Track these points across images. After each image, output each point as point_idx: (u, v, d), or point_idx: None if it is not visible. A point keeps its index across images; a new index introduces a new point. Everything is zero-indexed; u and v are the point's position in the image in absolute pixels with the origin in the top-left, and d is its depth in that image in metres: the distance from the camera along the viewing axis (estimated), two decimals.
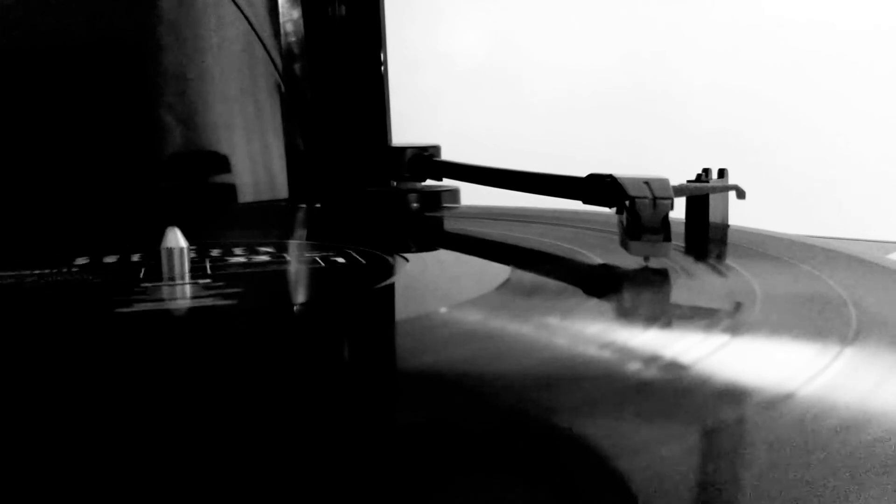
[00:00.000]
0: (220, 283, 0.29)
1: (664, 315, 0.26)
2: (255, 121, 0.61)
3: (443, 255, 0.39)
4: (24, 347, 0.23)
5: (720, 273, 0.31)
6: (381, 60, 0.59)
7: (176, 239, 0.31)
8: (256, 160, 0.61)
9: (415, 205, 0.53)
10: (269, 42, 0.61)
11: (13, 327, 0.25)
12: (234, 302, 0.26)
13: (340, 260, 0.33)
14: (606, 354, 0.21)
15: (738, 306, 0.26)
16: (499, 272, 0.31)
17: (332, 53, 0.60)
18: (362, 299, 0.28)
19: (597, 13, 0.77)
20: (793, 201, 0.69)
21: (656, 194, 0.31)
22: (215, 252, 0.35)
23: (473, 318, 0.25)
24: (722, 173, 0.39)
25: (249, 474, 0.14)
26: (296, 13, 0.59)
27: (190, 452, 0.15)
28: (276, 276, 0.31)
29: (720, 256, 0.36)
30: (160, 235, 0.31)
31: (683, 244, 0.36)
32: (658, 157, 0.72)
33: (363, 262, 0.32)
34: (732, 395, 0.18)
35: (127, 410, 0.18)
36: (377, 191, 0.55)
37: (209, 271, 0.31)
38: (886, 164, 0.67)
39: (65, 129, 0.51)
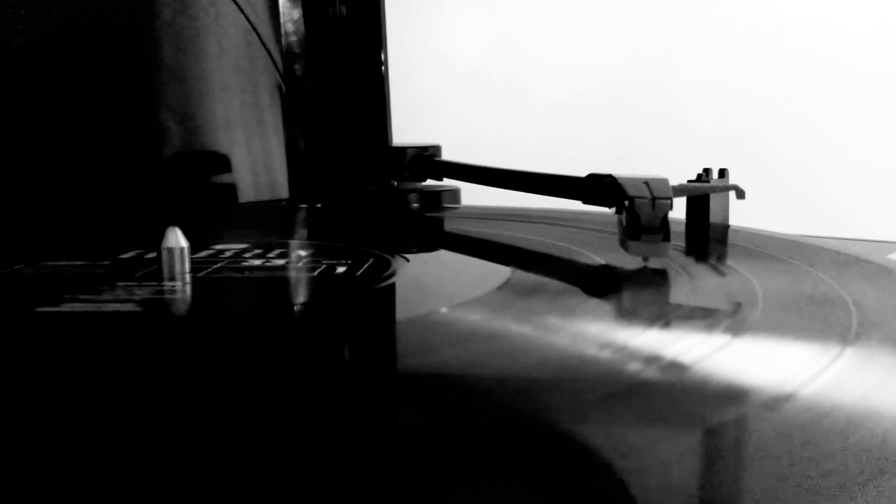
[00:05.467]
0: (208, 285, 0.29)
1: (664, 315, 0.26)
2: (256, 121, 0.61)
3: (443, 255, 0.39)
4: None
5: (720, 273, 0.31)
6: (382, 60, 0.59)
7: (176, 239, 0.31)
8: (257, 160, 0.61)
9: (415, 205, 0.53)
10: (270, 42, 0.61)
11: None
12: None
13: (341, 260, 0.33)
14: (606, 355, 0.21)
15: (738, 306, 0.26)
16: (499, 272, 0.31)
17: (333, 53, 0.59)
18: (362, 299, 0.28)
19: (597, 14, 0.77)
20: (793, 201, 0.69)
21: (655, 194, 0.31)
22: (212, 252, 0.35)
23: (474, 318, 0.25)
24: (722, 173, 0.39)
25: (248, 475, 0.14)
26: (296, 13, 0.59)
27: (186, 454, 0.15)
28: (273, 277, 0.31)
29: (720, 256, 0.36)
30: (160, 235, 0.31)
31: (684, 244, 0.36)
32: (659, 157, 0.72)
33: (363, 262, 0.32)
34: (733, 396, 0.18)
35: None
36: (377, 191, 0.55)
37: (206, 272, 0.31)
38: (886, 164, 0.67)
39: (64, 129, 0.51)
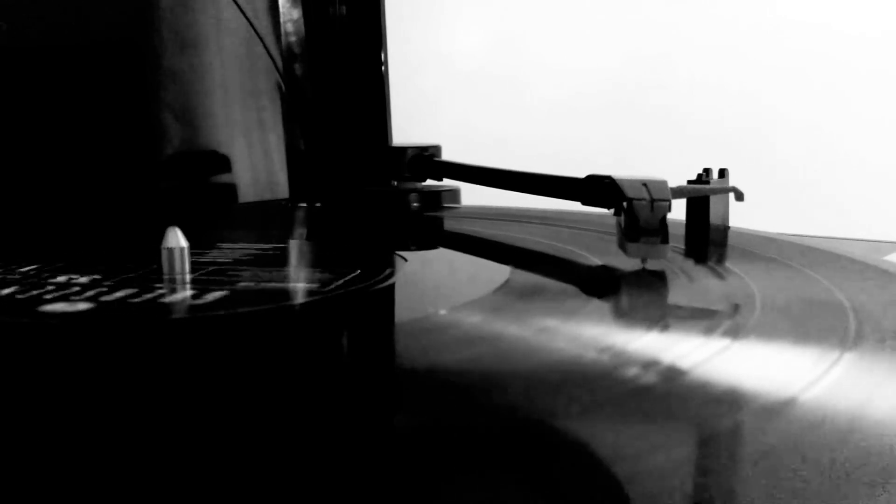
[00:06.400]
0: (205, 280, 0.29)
1: (662, 318, 0.26)
2: (256, 120, 0.61)
3: (442, 255, 0.39)
4: None
5: (719, 276, 0.31)
6: (382, 60, 0.59)
7: (176, 239, 0.31)
8: (257, 160, 0.61)
9: (415, 205, 0.53)
10: (270, 42, 0.61)
11: None
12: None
13: (340, 260, 0.33)
14: (604, 358, 0.21)
15: (736, 309, 0.26)
16: (498, 273, 0.31)
17: (333, 53, 0.59)
18: (361, 300, 0.28)
19: (597, 14, 0.77)
20: (793, 201, 0.69)
21: (654, 196, 0.31)
22: (209, 252, 0.35)
23: (473, 319, 0.25)
24: (722, 173, 0.39)
25: (249, 477, 0.14)
26: (296, 13, 0.59)
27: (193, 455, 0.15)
28: (271, 277, 0.31)
29: (719, 259, 0.36)
30: (160, 235, 0.31)
31: (683, 246, 0.36)
32: (658, 157, 0.72)
33: (363, 262, 0.32)
34: (731, 400, 0.18)
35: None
36: (377, 191, 0.55)
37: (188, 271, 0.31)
38: (886, 164, 0.67)
39: (64, 129, 0.51)
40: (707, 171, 0.39)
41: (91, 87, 0.52)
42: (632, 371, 0.20)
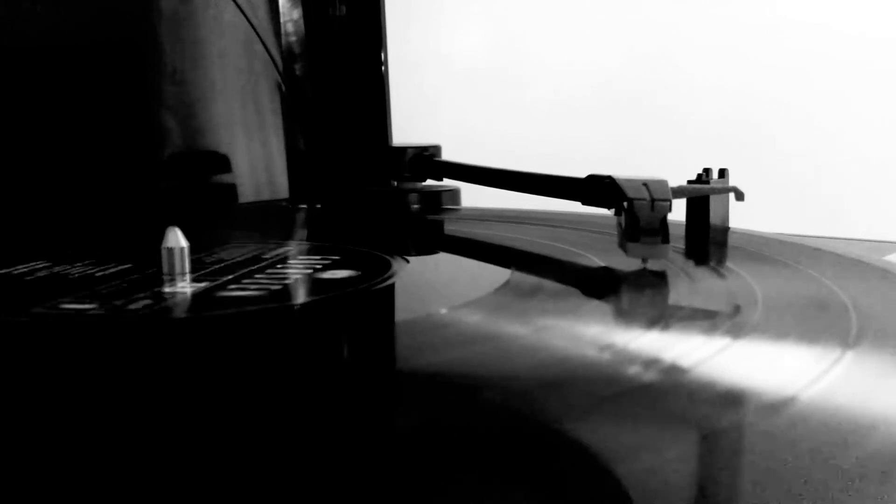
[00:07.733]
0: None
1: (663, 318, 0.26)
2: (256, 121, 0.61)
3: (443, 256, 0.39)
4: None
5: (720, 275, 0.31)
6: (382, 60, 0.59)
7: (176, 239, 0.31)
8: (257, 160, 0.61)
9: (415, 205, 0.53)
10: (270, 42, 0.61)
11: None
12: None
13: (340, 260, 0.33)
14: (605, 357, 0.21)
15: (737, 309, 0.26)
16: (499, 273, 0.31)
17: (333, 53, 0.59)
18: (362, 300, 0.28)
19: (597, 13, 0.77)
20: (793, 201, 0.69)
21: (654, 196, 0.31)
22: (207, 252, 0.35)
23: (473, 319, 0.25)
24: (722, 173, 0.39)
25: (249, 477, 0.14)
26: (296, 13, 0.59)
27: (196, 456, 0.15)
28: (272, 277, 0.31)
29: (720, 259, 0.36)
30: (160, 235, 0.31)
31: (683, 246, 0.36)
32: (658, 157, 0.72)
33: (363, 262, 0.32)
34: (732, 399, 0.18)
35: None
36: (377, 191, 0.55)
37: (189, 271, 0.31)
38: (887, 164, 0.67)
39: (64, 129, 0.51)
40: (707, 171, 0.39)
41: (91, 87, 0.52)
42: (633, 369, 0.20)
